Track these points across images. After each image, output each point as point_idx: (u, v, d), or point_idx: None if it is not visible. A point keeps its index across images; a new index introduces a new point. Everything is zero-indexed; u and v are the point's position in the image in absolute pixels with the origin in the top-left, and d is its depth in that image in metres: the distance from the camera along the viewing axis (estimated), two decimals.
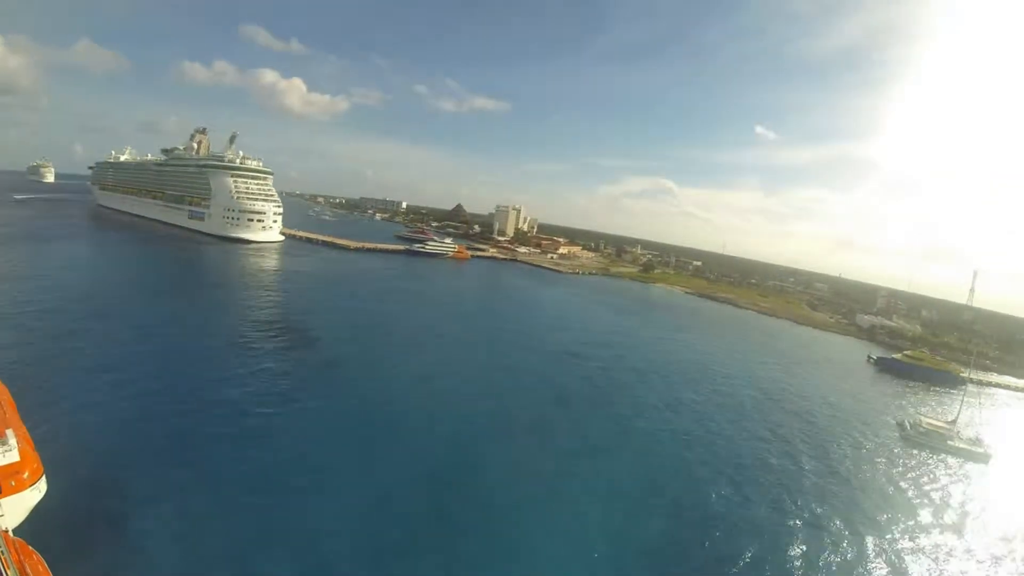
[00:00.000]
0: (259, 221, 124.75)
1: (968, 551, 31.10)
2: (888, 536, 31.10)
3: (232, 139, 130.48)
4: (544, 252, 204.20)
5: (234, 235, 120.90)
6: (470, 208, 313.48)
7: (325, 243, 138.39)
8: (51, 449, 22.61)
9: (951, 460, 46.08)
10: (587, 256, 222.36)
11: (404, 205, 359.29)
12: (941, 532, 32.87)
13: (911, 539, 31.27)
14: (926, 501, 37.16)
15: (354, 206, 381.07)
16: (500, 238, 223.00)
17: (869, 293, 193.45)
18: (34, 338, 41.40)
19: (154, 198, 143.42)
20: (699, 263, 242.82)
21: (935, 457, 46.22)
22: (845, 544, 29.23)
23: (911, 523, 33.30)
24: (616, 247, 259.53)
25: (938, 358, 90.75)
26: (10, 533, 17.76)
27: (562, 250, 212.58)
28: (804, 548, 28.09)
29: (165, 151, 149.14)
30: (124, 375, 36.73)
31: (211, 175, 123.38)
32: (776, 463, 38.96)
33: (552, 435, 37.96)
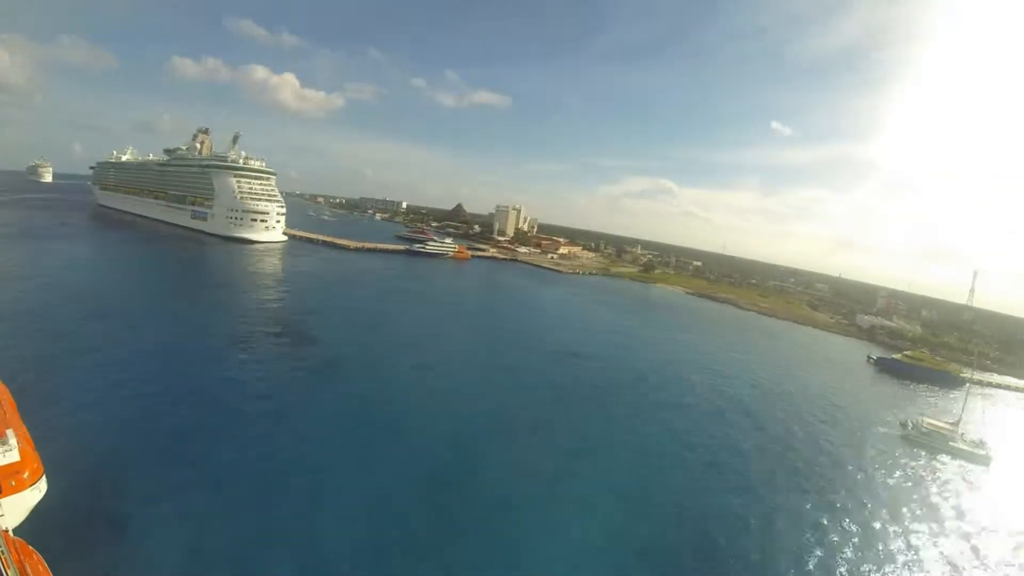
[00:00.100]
0: (262, 221, 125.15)
1: (967, 553, 31.10)
2: (887, 537, 31.04)
3: (235, 139, 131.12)
4: (544, 252, 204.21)
5: (238, 235, 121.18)
6: (470, 208, 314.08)
7: (325, 243, 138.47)
8: (51, 449, 22.57)
9: (952, 461, 45.92)
10: (587, 256, 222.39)
11: (404, 205, 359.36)
12: (942, 534, 32.82)
13: (911, 540, 31.21)
14: (926, 502, 37.12)
15: (354, 206, 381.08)
16: (500, 238, 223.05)
17: (869, 293, 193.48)
18: (35, 338, 41.42)
19: (156, 198, 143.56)
20: (699, 263, 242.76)
21: (936, 458, 46.10)
22: (844, 544, 29.18)
23: (909, 524, 33.23)
24: (616, 247, 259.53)
25: (938, 358, 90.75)
26: (10, 533, 17.77)
27: (562, 250, 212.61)
28: (804, 548, 28.05)
29: (167, 151, 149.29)
30: (125, 375, 36.74)
31: (214, 175, 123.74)
32: (776, 463, 38.94)
33: (552, 435, 37.95)
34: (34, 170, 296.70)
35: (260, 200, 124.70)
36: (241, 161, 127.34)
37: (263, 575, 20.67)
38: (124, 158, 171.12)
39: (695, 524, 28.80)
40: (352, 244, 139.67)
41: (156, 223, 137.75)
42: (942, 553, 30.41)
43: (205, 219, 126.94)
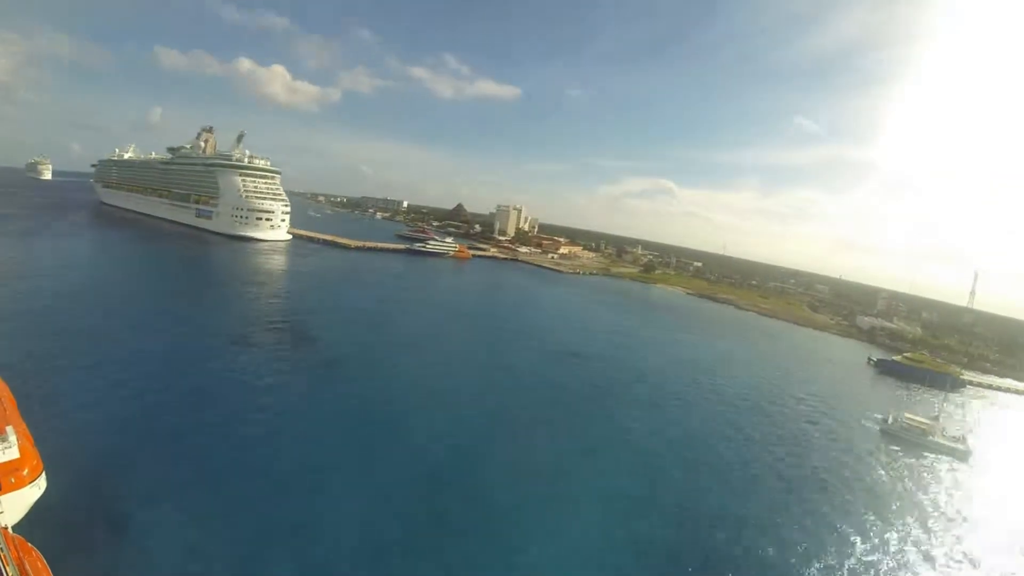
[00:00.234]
0: (267, 220, 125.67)
1: (946, 544, 31.35)
2: (886, 535, 31.05)
3: (239, 138, 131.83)
4: (545, 252, 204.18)
5: (243, 234, 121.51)
6: (470, 208, 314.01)
7: (326, 242, 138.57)
8: (51, 446, 22.53)
9: (933, 456, 46.97)
10: (588, 256, 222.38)
11: (405, 204, 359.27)
12: (929, 530, 32.91)
13: (903, 536, 31.29)
14: (922, 500, 37.20)
15: (355, 205, 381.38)
16: (501, 238, 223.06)
17: (869, 295, 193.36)
18: (36, 336, 41.40)
19: (160, 196, 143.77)
20: (699, 264, 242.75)
21: (917, 453, 46.98)
22: (842, 543, 29.16)
23: (903, 521, 33.34)
24: (617, 247, 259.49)
25: (938, 360, 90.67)
26: (9, 530, 17.75)
27: (563, 250, 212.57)
28: (802, 547, 28.00)
29: (171, 149, 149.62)
30: (125, 374, 36.72)
31: (219, 174, 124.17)
32: (776, 464, 38.92)
33: (552, 435, 37.93)
34: (33, 167, 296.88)
35: (265, 199, 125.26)
36: (246, 160, 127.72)
37: (263, 575, 20.66)
38: (127, 156, 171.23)
39: (694, 524, 28.77)
40: (353, 243, 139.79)
41: (160, 221, 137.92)
42: (931, 546, 30.65)
43: (210, 217, 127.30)
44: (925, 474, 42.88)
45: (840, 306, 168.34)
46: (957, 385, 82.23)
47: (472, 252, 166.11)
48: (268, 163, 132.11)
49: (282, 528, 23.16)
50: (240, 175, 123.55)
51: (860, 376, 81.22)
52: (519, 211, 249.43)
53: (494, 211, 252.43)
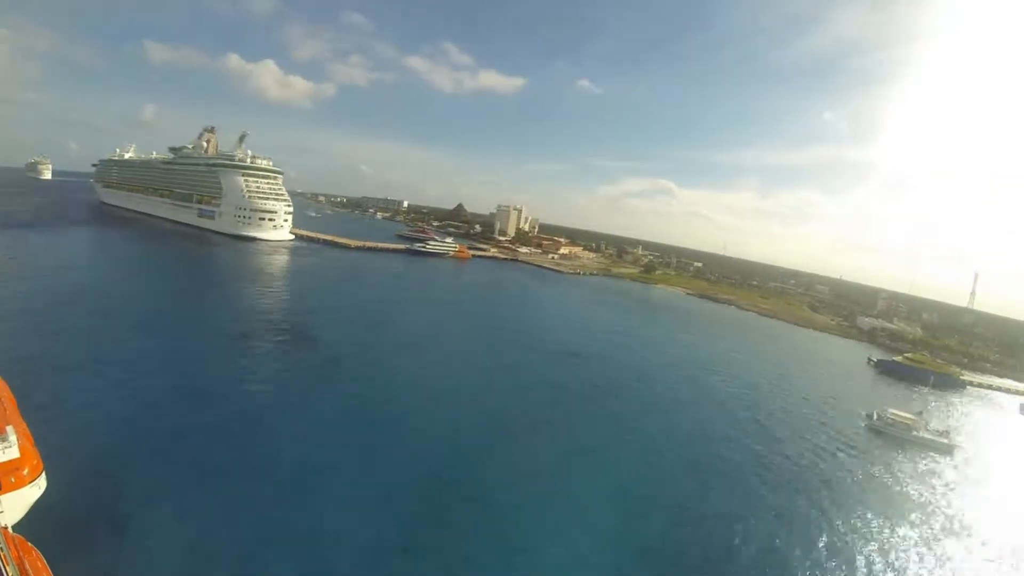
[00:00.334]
0: (270, 220, 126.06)
1: (928, 532, 31.67)
2: (885, 533, 31.10)
3: (242, 139, 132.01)
4: (545, 252, 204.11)
5: (245, 233, 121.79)
6: (470, 208, 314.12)
7: (327, 242, 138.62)
8: (51, 446, 22.52)
9: (917, 450, 48.05)
10: (588, 256, 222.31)
11: (405, 204, 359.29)
12: (929, 528, 32.96)
13: (906, 535, 31.32)
14: (920, 500, 37.26)
15: (355, 205, 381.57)
16: (501, 238, 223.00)
17: (870, 295, 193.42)
18: (36, 336, 41.38)
19: (161, 196, 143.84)
20: (700, 264, 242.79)
21: (901, 448, 47.88)
22: (842, 543, 29.17)
23: (905, 519, 33.41)
24: (617, 248, 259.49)
25: (939, 361, 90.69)
26: (9, 529, 17.76)
27: (563, 250, 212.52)
28: (802, 547, 28.04)
29: (173, 149, 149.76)
30: (126, 373, 36.71)
31: (222, 174, 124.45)
32: (776, 464, 38.90)
33: (552, 435, 37.91)
34: (33, 167, 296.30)
35: (268, 199, 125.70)
36: (248, 160, 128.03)
37: (263, 575, 20.65)
38: (128, 156, 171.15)
39: (694, 523, 28.76)
40: (353, 243, 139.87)
41: (161, 221, 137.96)
42: (919, 538, 31.01)
43: (212, 217, 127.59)
44: (907, 468, 43.73)
45: (840, 307, 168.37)
46: (957, 385, 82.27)
47: (472, 252, 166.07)
48: (270, 163, 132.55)
49: (282, 528, 23.15)
50: (243, 175, 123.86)
51: (860, 376, 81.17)
52: (519, 211, 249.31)
53: (494, 211, 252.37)
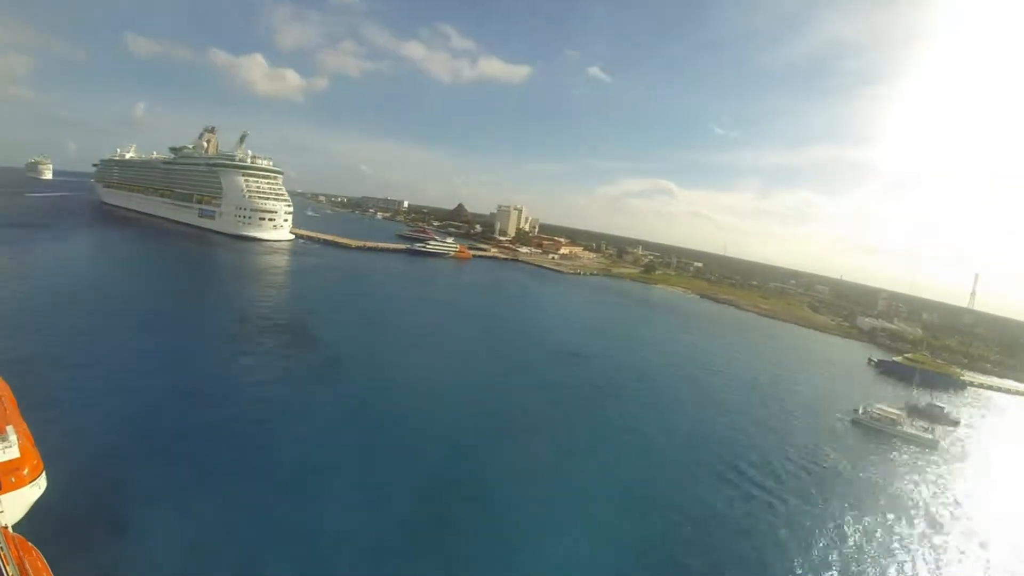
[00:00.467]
0: (270, 220, 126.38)
1: (916, 522, 31.95)
2: (885, 532, 31.10)
3: (242, 139, 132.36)
4: (545, 252, 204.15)
5: (246, 233, 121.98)
6: (471, 208, 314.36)
7: (328, 242, 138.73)
8: (51, 446, 22.52)
9: (902, 444, 48.88)
10: (588, 257, 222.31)
11: (406, 204, 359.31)
12: (928, 525, 32.99)
13: (906, 533, 31.30)
14: (916, 497, 37.32)
15: (356, 205, 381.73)
16: (501, 238, 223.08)
17: (870, 295, 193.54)
18: (36, 335, 41.37)
19: (162, 196, 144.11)
20: (700, 264, 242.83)
21: (888, 443, 48.63)
22: (842, 544, 29.16)
23: (905, 517, 33.45)
24: (617, 248, 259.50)
25: (939, 361, 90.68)
26: (9, 529, 17.75)
27: (563, 250, 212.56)
28: (801, 546, 28.03)
29: (173, 149, 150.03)
30: (126, 373, 36.73)
31: (222, 174, 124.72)
32: (776, 464, 38.84)
33: (552, 435, 37.90)
34: (33, 167, 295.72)
35: (268, 199, 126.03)
36: (249, 160, 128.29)
37: (263, 575, 20.65)
38: (128, 156, 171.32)
39: (694, 524, 28.72)
40: (354, 243, 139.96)
41: (162, 221, 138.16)
42: (911, 532, 31.06)
43: (213, 217, 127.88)
44: (892, 462, 44.55)
45: (840, 307, 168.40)
46: (957, 386, 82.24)
47: (472, 252, 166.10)
48: (271, 163, 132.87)
49: (282, 528, 23.14)
50: (243, 175, 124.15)
51: (860, 377, 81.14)
52: (519, 211, 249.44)
53: (494, 211, 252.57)
